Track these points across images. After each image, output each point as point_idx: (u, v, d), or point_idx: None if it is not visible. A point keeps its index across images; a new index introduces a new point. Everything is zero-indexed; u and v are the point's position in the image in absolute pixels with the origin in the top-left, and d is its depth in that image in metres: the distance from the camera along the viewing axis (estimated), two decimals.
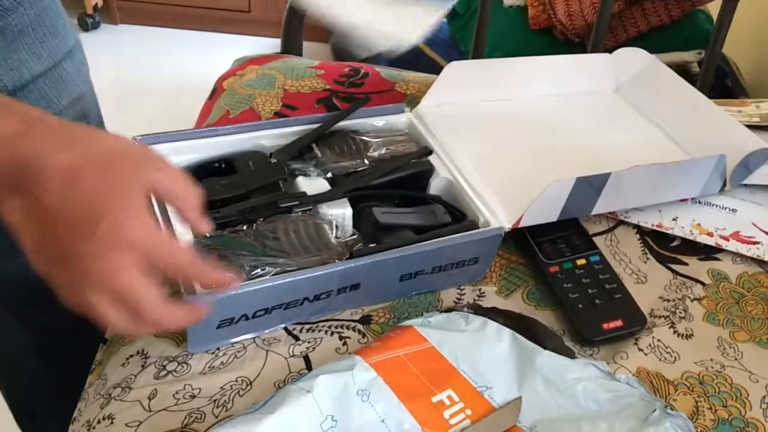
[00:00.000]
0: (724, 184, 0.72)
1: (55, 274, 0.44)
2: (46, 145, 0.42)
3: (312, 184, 0.62)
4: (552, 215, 0.64)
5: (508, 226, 0.62)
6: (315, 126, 0.68)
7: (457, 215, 0.64)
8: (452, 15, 1.63)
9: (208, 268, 0.46)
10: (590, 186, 0.64)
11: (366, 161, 0.66)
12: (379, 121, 0.72)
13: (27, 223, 0.43)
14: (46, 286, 0.67)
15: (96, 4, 2.69)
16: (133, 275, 0.42)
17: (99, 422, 0.53)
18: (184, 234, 0.56)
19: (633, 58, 0.87)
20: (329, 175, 0.64)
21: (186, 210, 0.46)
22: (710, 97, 0.87)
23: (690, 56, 1.43)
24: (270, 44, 2.65)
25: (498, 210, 0.63)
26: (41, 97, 0.65)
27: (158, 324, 0.45)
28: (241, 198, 0.60)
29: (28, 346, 0.82)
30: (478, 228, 0.61)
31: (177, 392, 0.53)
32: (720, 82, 1.40)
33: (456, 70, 0.77)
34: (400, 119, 0.73)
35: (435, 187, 0.67)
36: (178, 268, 0.45)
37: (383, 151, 0.68)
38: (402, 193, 0.66)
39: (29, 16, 0.65)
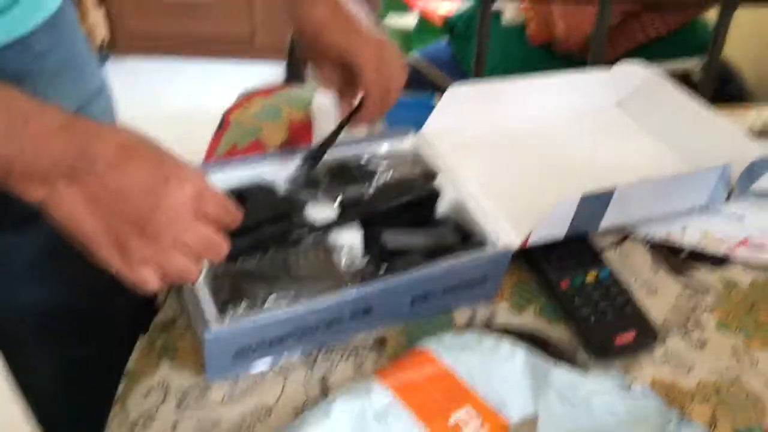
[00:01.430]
0: (730, 193, 0.72)
1: (127, 247, 0.47)
2: (96, 131, 0.46)
3: (321, 211, 0.63)
4: (560, 232, 0.65)
5: (516, 244, 0.62)
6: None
7: (466, 236, 0.65)
8: (452, 35, 1.65)
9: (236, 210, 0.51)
10: (596, 202, 0.64)
11: (373, 186, 0.67)
12: (384, 146, 0.73)
13: (89, 211, 0.46)
14: (75, 318, 0.69)
15: (103, 40, 2.74)
16: (205, 230, 0.49)
17: None
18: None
19: (633, 71, 0.88)
20: (337, 201, 0.65)
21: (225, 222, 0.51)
22: (713, 104, 0.88)
23: (690, 65, 1.44)
24: (274, 70, 2.68)
25: (506, 229, 0.64)
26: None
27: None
28: (252, 229, 0.61)
29: (58, 375, 0.83)
30: (486, 248, 0.62)
31: (199, 421, 0.54)
32: (723, 89, 1.40)
33: (458, 92, 0.79)
34: (405, 143, 0.74)
35: (442, 208, 0.68)
36: (221, 212, 0.50)
37: (390, 175, 0.69)
38: (410, 216, 0.67)
39: (61, 60, 0.67)
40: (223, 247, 0.50)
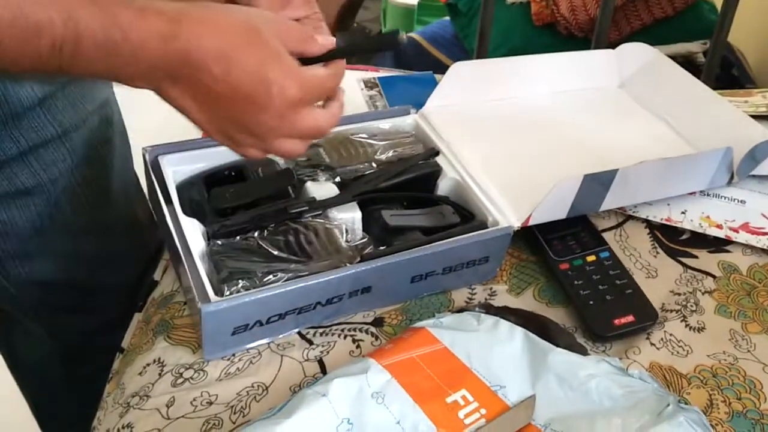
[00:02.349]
0: (732, 177, 0.72)
1: (234, 139, 0.51)
2: (198, 39, 0.45)
3: (321, 189, 0.63)
4: (561, 213, 0.64)
5: (517, 224, 0.62)
6: None
7: (466, 215, 0.64)
8: (455, 13, 1.64)
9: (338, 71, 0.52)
10: (598, 183, 0.64)
11: (373, 164, 0.67)
12: (385, 124, 0.73)
13: (197, 106, 0.48)
14: (72, 293, 0.69)
15: None
16: (311, 118, 0.50)
17: (118, 431, 0.54)
18: (197, 244, 0.57)
19: (636, 52, 0.87)
20: (338, 179, 0.65)
21: (311, 41, 0.51)
22: (716, 87, 0.87)
23: (695, 47, 1.43)
24: None
25: (506, 209, 0.63)
26: (69, 103, 0.66)
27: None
28: (251, 205, 0.61)
29: (52, 352, 0.83)
30: (487, 227, 0.61)
31: (194, 399, 0.54)
32: (726, 72, 1.39)
33: (460, 71, 0.78)
34: (406, 121, 0.74)
35: (443, 187, 0.67)
36: (325, 95, 0.52)
37: (390, 154, 0.68)
38: (410, 195, 0.66)
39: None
40: (330, 123, 0.52)
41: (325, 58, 0.51)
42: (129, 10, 0.43)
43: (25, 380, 0.90)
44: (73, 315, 0.80)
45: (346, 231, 0.60)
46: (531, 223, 0.62)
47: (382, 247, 0.59)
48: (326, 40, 0.52)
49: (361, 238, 0.60)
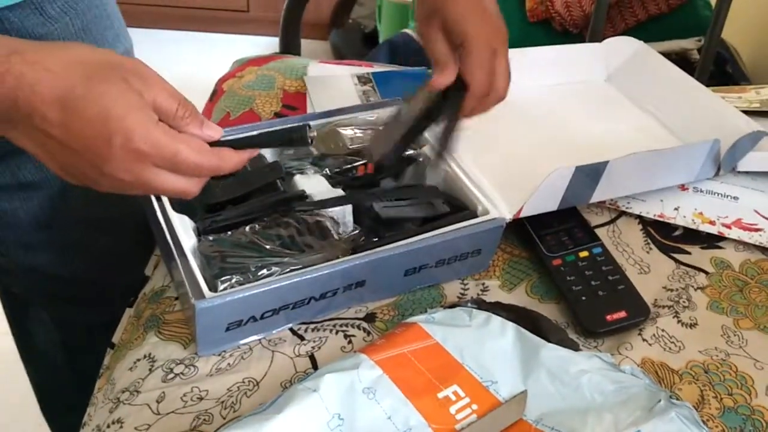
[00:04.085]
0: (719, 169, 0.72)
1: (89, 185, 0.46)
2: (30, 81, 0.41)
3: (310, 181, 0.63)
4: (552, 204, 0.64)
5: (509, 216, 0.62)
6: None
7: (456, 206, 0.64)
8: None
9: (224, 157, 0.47)
10: (588, 174, 0.64)
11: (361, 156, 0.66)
12: (373, 115, 0.72)
13: (41, 151, 0.44)
14: (75, 285, 0.68)
15: None
16: (161, 178, 0.45)
17: (109, 426, 0.53)
18: (188, 240, 0.56)
19: (623, 45, 0.87)
20: (326, 171, 0.64)
21: (189, 124, 0.46)
22: (710, 84, 0.87)
23: (689, 44, 1.43)
24: (269, 43, 2.65)
25: (498, 200, 0.63)
26: None
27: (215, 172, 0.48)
28: (241, 199, 0.61)
29: (55, 340, 0.83)
30: (477, 217, 0.61)
31: (185, 395, 0.54)
32: (720, 69, 1.39)
33: None
34: (393, 112, 0.73)
35: (432, 178, 0.67)
36: (195, 169, 0.46)
37: None
38: (400, 185, 0.66)
39: (75, 26, 0.64)
40: (189, 189, 0.47)
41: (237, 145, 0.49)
42: None
43: (32, 364, 0.90)
44: (76, 307, 0.80)
45: (338, 223, 0.59)
46: (523, 214, 0.62)
47: (374, 239, 0.59)
48: (209, 130, 0.47)
49: (353, 230, 0.60)
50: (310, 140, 0.51)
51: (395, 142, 0.62)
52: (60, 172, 0.45)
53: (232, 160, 0.48)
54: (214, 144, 0.48)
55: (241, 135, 0.54)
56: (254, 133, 0.53)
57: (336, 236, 0.59)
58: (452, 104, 0.61)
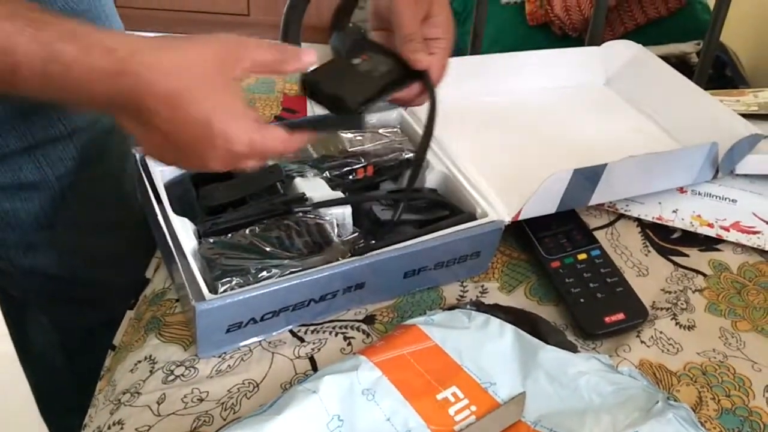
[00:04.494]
0: (717, 172, 0.72)
1: (177, 166, 0.56)
2: (147, 80, 0.45)
3: (309, 184, 0.63)
4: (550, 207, 0.65)
5: (508, 219, 0.62)
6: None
7: (454, 208, 0.64)
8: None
9: (296, 140, 0.53)
10: (587, 177, 0.64)
11: (361, 159, 0.67)
12: (372, 118, 0.73)
13: (142, 135, 0.49)
14: (75, 287, 0.69)
15: None
16: (251, 164, 0.52)
17: (109, 428, 0.54)
18: (188, 242, 0.56)
19: (622, 49, 0.87)
20: (326, 174, 0.65)
21: (288, 66, 0.51)
22: (709, 88, 0.88)
23: (688, 47, 1.43)
24: None
25: (497, 203, 0.63)
26: None
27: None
28: (241, 201, 0.61)
29: (54, 342, 0.84)
30: (476, 218, 0.62)
31: (185, 396, 0.54)
32: (719, 72, 1.40)
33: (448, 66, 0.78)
34: (392, 115, 0.74)
35: (431, 180, 0.68)
36: (278, 155, 0.58)
37: (377, 147, 0.68)
38: (399, 188, 0.67)
39: (79, 9, 0.65)
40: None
41: (295, 127, 0.53)
42: (73, 46, 0.44)
43: (31, 366, 0.90)
44: (75, 308, 0.80)
45: (337, 226, 0.60)
46: (521, 217, 0.63)
47: (373, 242, 0.59)
48: (307, 57, 0.52)
49: (352, 233, 0.60)
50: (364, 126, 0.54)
51: (370, 96, 0.61)
52: (153, 154, 0.53)
53: (302, 140, 0.55)
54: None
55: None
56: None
57: (336, 239, 0.59)
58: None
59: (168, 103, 0.46)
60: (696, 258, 0.69)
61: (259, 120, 0.51)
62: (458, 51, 1.62)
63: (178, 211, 0.59)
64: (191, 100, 0.46)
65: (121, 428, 0.53)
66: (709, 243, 0.71)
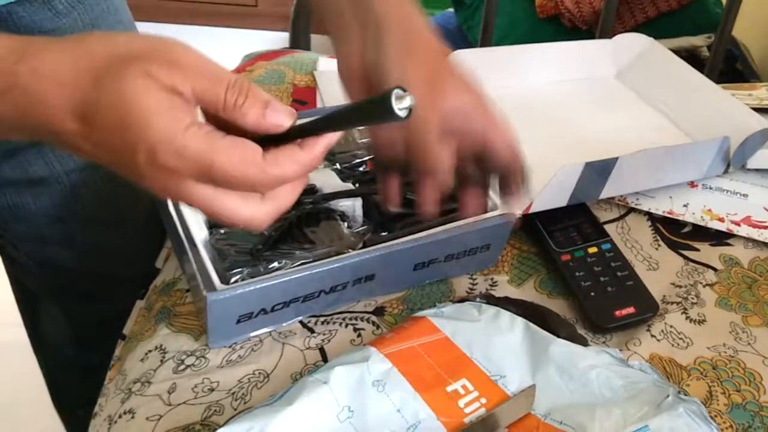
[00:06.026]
0: (728, 166, 0.72)
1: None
2: (38, 94, 0.35)
3: (320, 175, 0.63)
4: (561, 200, 0.64)
5: (518, 212, 0.62)
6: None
7: None
8: (459, 5, 1.63)
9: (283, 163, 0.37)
10: (598, 171, 0.64)
11: (372, 150, 0.67)
12: None
13: (81, 153, 0.39)
14: (86, 281, 0.68)
15: None
16: (192, 190, 0.36)
17: (120, 417, 0.54)
18: (199, 233, 0.57)
19: (633, 42, 0.87)
20: (336, 166, 0.65)
21: (248, 113, 0.37)
22: (720, 81, 0.87)
23: (699, 41, 1.42)
24: (278, 38, 2.65)
25: None
26: None
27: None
28: None
29: (66, 333, 0.84)
30: (486, 213, 0.61)
31: (196, 386, 0.54)
32: (730, 66, 1.39)
33: (458, 59, 0.78)
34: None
35: None
36: (243, 183, 0.36)
37: None
38: (409, 180, 0.66)
39: (83, 21, 0.65)
40: (254, 215, 0.40)
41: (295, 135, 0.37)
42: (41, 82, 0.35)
43: (44, 356, 0.91)
44: (88, 302, 0.80)
45: (348, 217, 0.60)
46: (532, 210, 0.62)
47: (383, 234, 0.59)
48: (276, 115, 0.36)
49: (362, 225, 0.60)
50: (397, 111, 0.35)
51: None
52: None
53: (320, 153, 0.37)
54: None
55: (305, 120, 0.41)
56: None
57: (346, 230, 0.59)
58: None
59: (74, 116, 0.36)
60: (707, 252, 0.69)
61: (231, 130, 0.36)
62: (469, 42, 1.62)
63: None
64: (96, 102, 0.35)
65: (132, 417, 0.53)
66: (720, 237, 0.70)
